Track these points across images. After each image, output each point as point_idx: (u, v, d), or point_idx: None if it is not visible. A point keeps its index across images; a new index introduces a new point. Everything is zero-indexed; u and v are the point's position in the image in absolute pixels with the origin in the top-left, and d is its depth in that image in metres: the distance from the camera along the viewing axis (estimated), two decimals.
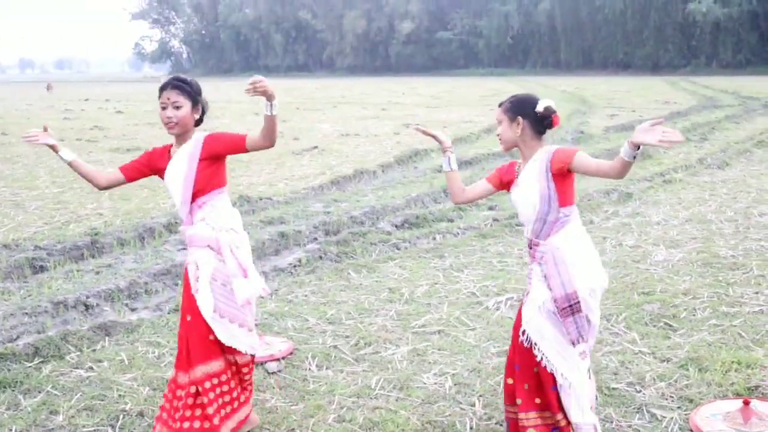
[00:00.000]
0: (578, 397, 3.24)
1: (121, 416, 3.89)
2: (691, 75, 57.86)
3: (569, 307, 3.20)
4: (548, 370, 3.23)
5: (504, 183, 3.46)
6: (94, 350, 4.78)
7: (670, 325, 5.05)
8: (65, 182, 11.10)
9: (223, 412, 3.54)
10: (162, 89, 3.58)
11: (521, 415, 3.31)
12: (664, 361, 4.47)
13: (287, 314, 5.41)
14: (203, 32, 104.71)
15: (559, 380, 3.23)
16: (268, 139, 3.46)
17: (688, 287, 5.82)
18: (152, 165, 3.68)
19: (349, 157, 13.58)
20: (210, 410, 3.47)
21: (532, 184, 3.27)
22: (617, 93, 32.86)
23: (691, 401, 3.93)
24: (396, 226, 8.05)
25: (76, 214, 8.88)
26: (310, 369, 4.49)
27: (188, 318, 3.55)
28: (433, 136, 3.54)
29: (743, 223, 7.95)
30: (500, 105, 3.40)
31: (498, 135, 3.40)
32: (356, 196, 9.89)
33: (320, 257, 6.84)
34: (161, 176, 3.65)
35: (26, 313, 5.40)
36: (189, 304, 3.56)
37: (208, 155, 3.56)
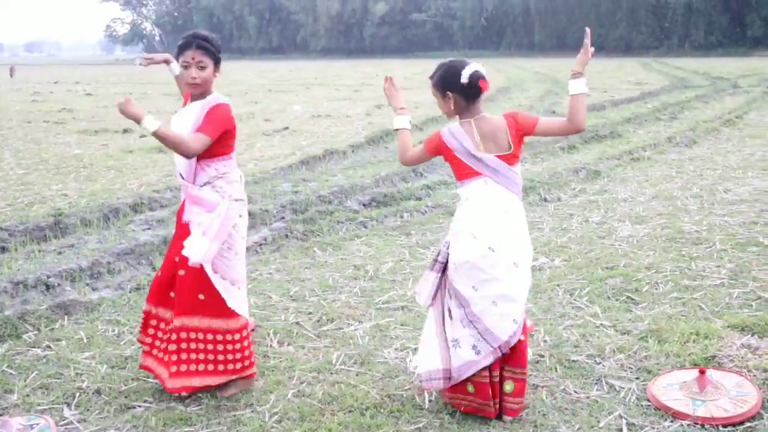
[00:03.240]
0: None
1: (78, 394, 3.84)
2: (663, 56, 58.31)
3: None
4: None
5: (441, 150, 3.47)
6: (52, 329, 4.71)
7: (632, 299, 5.08)
8: (30, 164, 10.93)
9: (183, 367, 3.66)
10: (185, 48, 3.57)
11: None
12: (624, 333, 4.49)
13: (250, 292, 5.36)
14: (175, 14, 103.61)
15: None
16: (171, 148, 3.53)
17: (651, 262, 5.85)
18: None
19: (319, 137, 13.49)
20: (176, 357, 3.66)
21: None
22: (590, 74, 32.77)
23: (649, 372, 3.95)
24: (363, 205, 8.02)
25: (40, 195, 8.74)
26: (271, 345, 4.46)
27: (181, 273, 3.64)
28: (392, 96, 3.64)
29: (708, 199, 8.01)
30: (431, 77, 3.40)
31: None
32: (325, 176, 9.83)
33: (286, 235, 6.80)
34: None
35: None
36: (183, 258, 3.60)
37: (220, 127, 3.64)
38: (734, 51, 59.88)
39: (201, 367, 3.69)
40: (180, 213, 3.79)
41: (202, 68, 3.59)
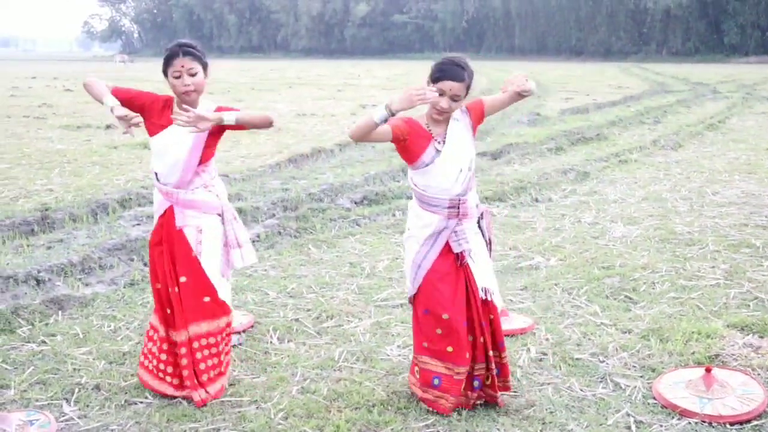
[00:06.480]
0: None
1: (77, 389, 3.76)
2: (641, 61, 58.74)
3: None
4: (500, 318, 3.63)
5: (406, 139, 3.37)
6: (46, 324, 4.62)
7: (631, 298, 5.09)
8: (13, 159, 10.76)
9: (212, 373, 3.66)
10: (172, 57, 3.50)
11: (478, 366, 3.54)
12: (625, 332, 4.49)
13: (247, 288, 5.31)
14: (155, 11, 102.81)
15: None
16: (256, 126, 3.57)
17: (646, 262, 5.87)
18: (146, 110, 3.63)
19: (306, 136, 13.44)
20: (202, 366, 3.64)
21: (466, 139, 3.43)
22: (571, 78, 33.17)
23: (653, 370, 3.95)
24: (355, 203, 7.98)
25: (25, 189, 8.60)
26: (271, 342, 4.41)
27: (182, 279, 3.61)
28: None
29: (698, 202, 8.06)
30: (459, 79, 3.27)
31: (443, 108, 3.32)
32: (314, 174, 9.77)
33: (279, 233, 6.74)
34: (151, 129, 3.64)
35: None
36: (186, 267, 3.61)
37: (218, 129, 3.58)
38: (711, 57, 60.48)
39: (222, 368, 3.73)
40: (167, 221, 3.66)
41: (193, 75, 3.52)
